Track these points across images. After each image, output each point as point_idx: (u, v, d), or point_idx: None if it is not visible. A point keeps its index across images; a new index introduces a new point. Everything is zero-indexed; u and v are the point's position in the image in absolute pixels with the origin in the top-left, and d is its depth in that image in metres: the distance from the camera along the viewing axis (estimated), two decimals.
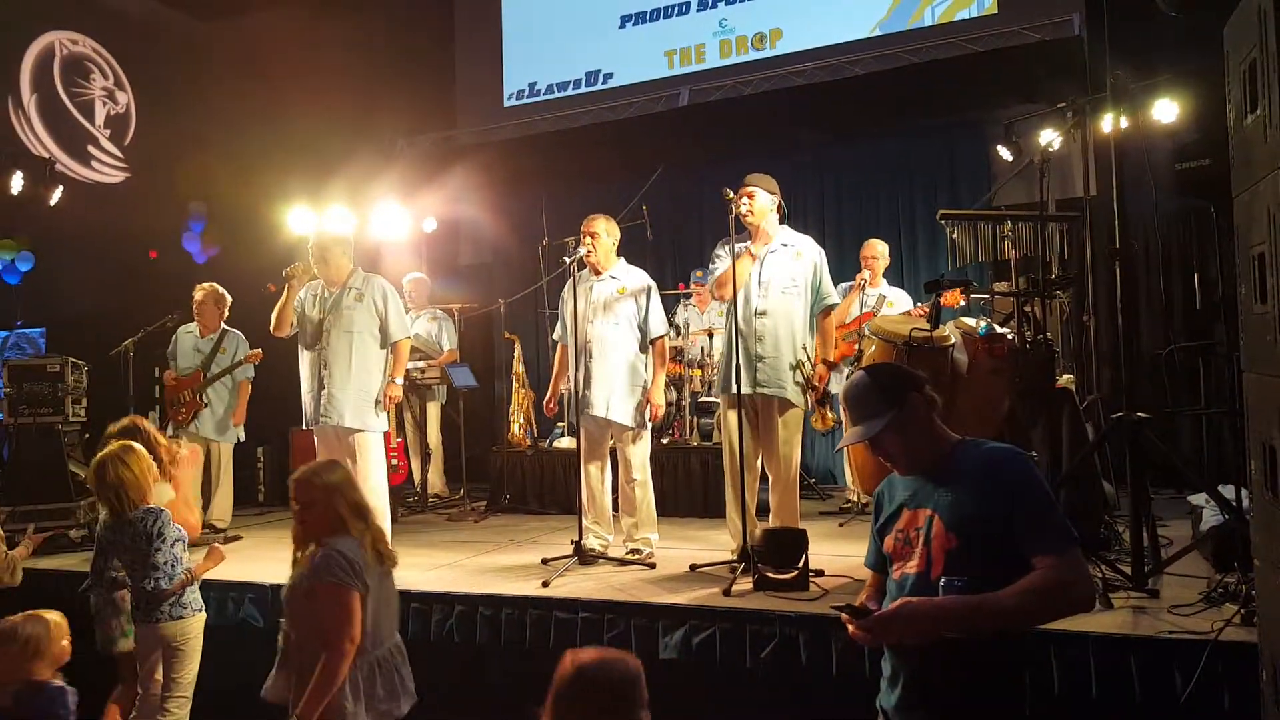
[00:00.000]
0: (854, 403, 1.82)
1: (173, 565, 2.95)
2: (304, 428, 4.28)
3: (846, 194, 6.87)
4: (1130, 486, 2.90)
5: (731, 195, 3.63)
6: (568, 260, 3.92)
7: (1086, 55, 5.65)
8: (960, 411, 3.14)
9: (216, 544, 3.13)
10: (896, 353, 3.09)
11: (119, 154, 7.49)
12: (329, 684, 2.20)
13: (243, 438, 5.37)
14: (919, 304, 4.64)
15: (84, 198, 6.98)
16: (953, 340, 3.17)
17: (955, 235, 3.42)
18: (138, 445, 3.07)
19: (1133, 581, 2.81)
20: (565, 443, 5.82)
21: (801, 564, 3.18)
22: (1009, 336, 3.16)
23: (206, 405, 5.14)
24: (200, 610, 3.06)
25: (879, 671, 1.81)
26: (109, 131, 7.44)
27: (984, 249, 3.35)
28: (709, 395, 5.72)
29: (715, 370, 5.80)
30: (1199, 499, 3.41)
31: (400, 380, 4.24)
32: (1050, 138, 5.42)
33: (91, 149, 7.35)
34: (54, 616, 2.55)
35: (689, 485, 5.39)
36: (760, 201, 3.75)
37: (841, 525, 4.65)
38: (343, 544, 2.32)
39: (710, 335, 5.84)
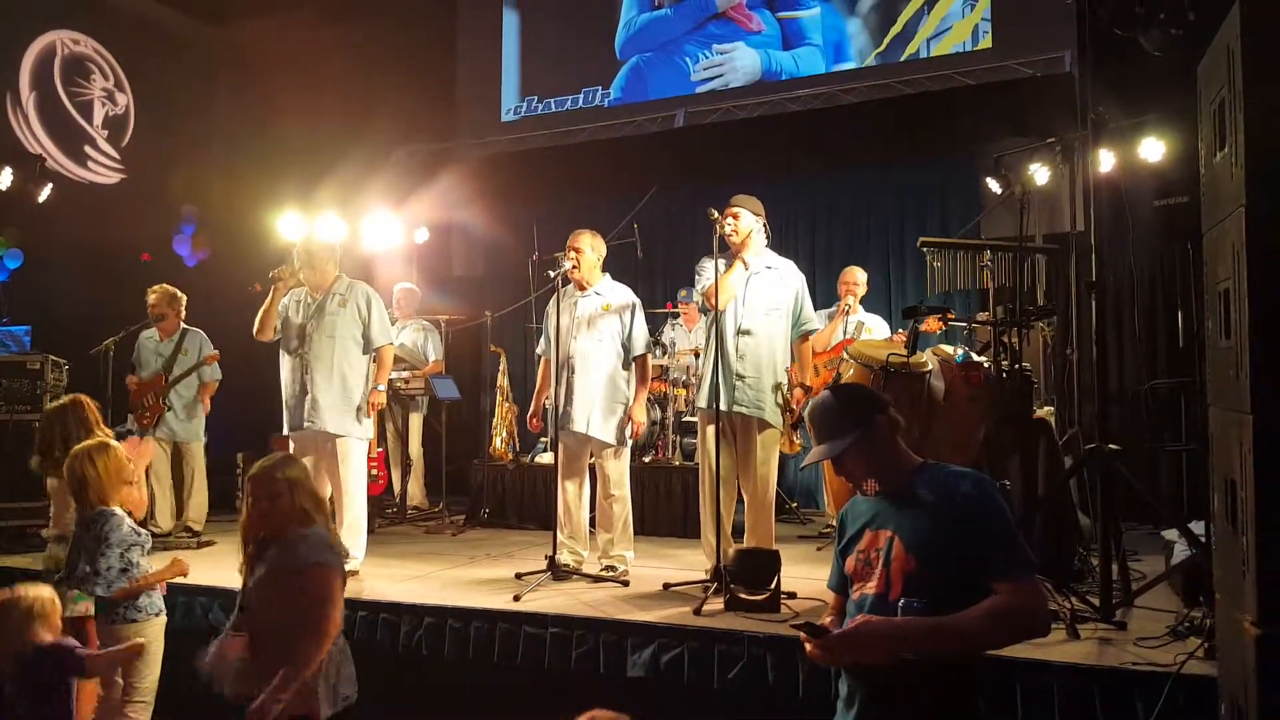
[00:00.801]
0: (819, 422, 1.83)
1: (114, 571, 2.86)
2: (284, 434, 4.26)
3: (836, 220, 6.92)
4: (1100, 517, 2.90)
5: (716, 215, 3.66)
6: (552, 275, 3.93)
7: (1077, 92, 5.74)
8: (936, 438, 3.16)
9: (179, 557, 3.08)
10: (874, 377, 3.11)
11: (116, 155, 7.48)
12: (308, 664, 2.21)
13: (203, 438, 5.28)
14: (899, 330, 4.68)
15: (78, 198, 6.96)
16: (930, 367, 3.20)
17: (936, 263, 3.45)
18: (114, 445, 3.05)
19: (1100, 613, 2.80)
20: (547, 458, 5.79)
21: (774, 585, 3.17)
22: (986, 365, 3.18)
23: (169, 409, 5.08)
24: (158, 614, 3.00)
25: (834, 697, 1.80)
26: (107, 132, 7.43)
27: (964, 278, 3.39)
28: (693, 415, 5.72)
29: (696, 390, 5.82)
30: (1171, 534, 3.42)
31: (384, 387, 4.24)
32: (1037, 171, 5.52)
33: (88, 149, 7.34)
34: (47, 589, 2.53)
35: (669, 504, 5.38)
36: (744, 222, 3.79)
37: (819, 550, 4.63)
38: (318, 531, 2.35)
39: (696, 355, 5.85)
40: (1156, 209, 3.89)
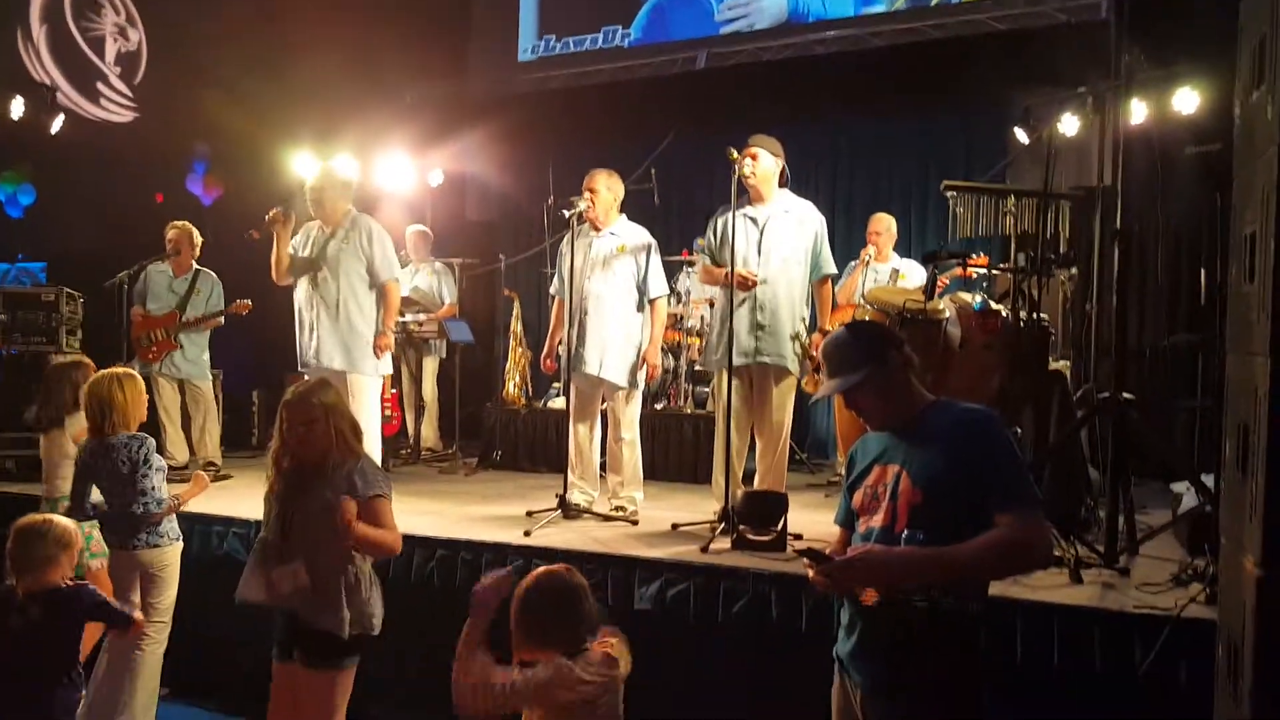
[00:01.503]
0: (832, 357, 1.83)
1: (161, 491, 2.98)
2: (298, 370, 4.30)
3: (860, 167, 6.79)
4: (1110, 466, 2.90)
5: (736, 155, 3.60)
6: (566, 214, 3.90)
7: (1112, 39, 5.56)
8: (950, 385, 3.14)
9: (199, 471, 3.17)
10: (890, 323, 3.09)
11: (129, 93, 7.40)
12: (390, 544, 2.38)
13: (210, 375, 5.27)
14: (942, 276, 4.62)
15: (92, 135, 6.89)
16: (947, 314, 3.17)
17: (959, 208, 3.39)
18: (139, 377, 3.10)
19: (1104, 559, 2.82)
20: (560, 402, 5.82)
21: (780, 526, 3.21)
22: (1003, 314, 3.15)
23: (180, 348, 5.08)
24: (178, 539, 3.11)
25: (834, 634, 1.83)
26: (119, 69, 7.33)
27: (986, 224, 3.33)
28: (704, 365, 5.72)
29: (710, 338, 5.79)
30: (1180, 487, 3.41)
31: (391, 327, 4.22)
32: (1067, 121, 5.37)
33: (101, 86, 7.26)
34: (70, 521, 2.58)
35: (680, 451, 5.42)
36: (764, 164, 3.73)
37: (827, 496, 4.66)
38: (368, 460, 2.44)
39: (711, 304, 5.82)
40: (1189, 157, 3.78)
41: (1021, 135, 5.62)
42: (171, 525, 3.10)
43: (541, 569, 1.95)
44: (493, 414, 5.88)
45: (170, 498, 3.02)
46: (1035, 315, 3.21)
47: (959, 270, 4.23)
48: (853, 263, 5.20)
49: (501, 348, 6.59)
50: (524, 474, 5.53)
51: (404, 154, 6.80)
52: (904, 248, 6.16)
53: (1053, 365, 3.74)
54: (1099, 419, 3.18)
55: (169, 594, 3.11)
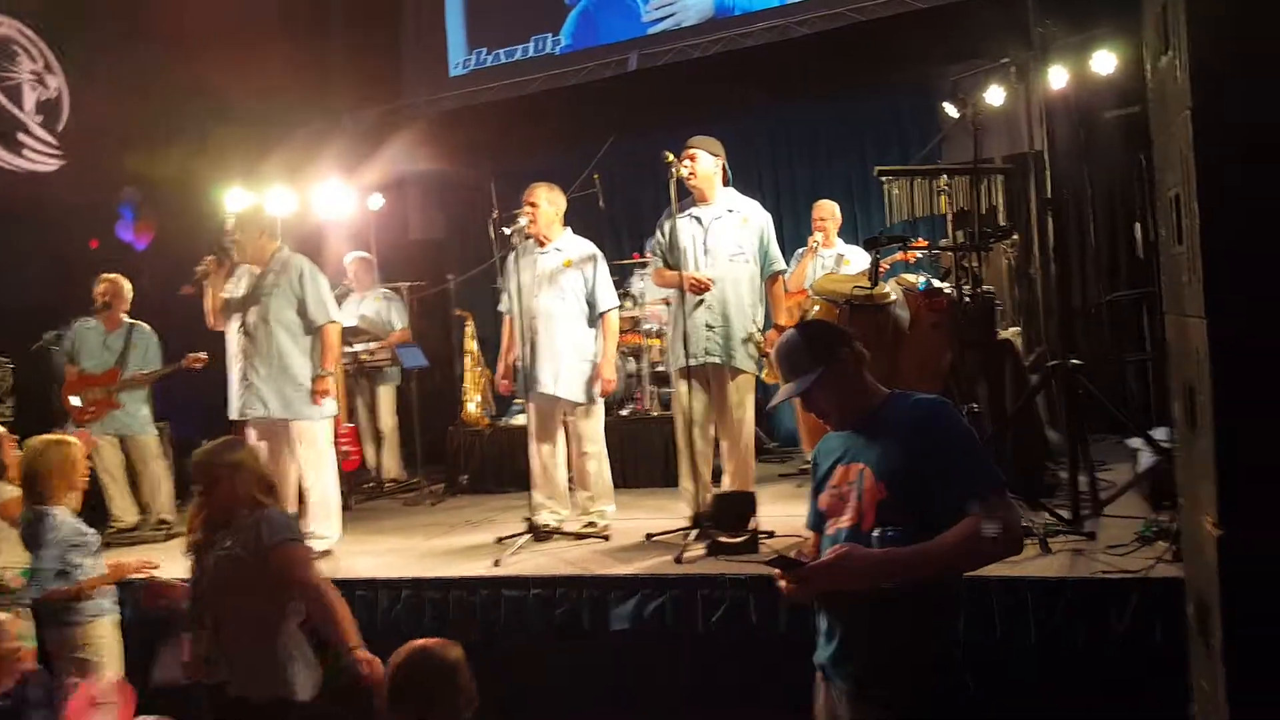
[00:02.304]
0: (784, 360, 1.82)
1: (47, 574, 2.80)
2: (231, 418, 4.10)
3: (798, 156, 6.84)
4: (1067, 432, 2.94)
5: (673, 158, 3.58)
6: (508, 232, 3.85)
7: (1030, 8, 5.66)
8: (904, 367, 3.17)
9: (120, 561, 3.00)
10: (839, 312, 3.10)
11: (52, 140, 7.16)
12: (339, 608, 2.23)
13: (154, 429, 5.05)
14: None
15: (15, 188, 6.66)
16: (893, 297, 3.18)
17: (894, 191, 3.41)
18: (74, 443, 2.95)
19: (1070, 525, 2.86)
20: (523, 419, 5.75)
21: (752, 526, 3.20)
22: (948, 291, 3.18)
23: (122, 405, 4.87)
24: (100, 616, 2.91)
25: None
26: (40, 117, 7.08)
27: (922, 204, 3.36)
28: (665, 365, 5.70)
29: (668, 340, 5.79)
30: (1136, 442, 3.48)
31: (331, 370, 4.03)
32: (993, 93, 5.46)
33: (22, 136, 7.00)
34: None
35: (650, 456, 5.39)
36: (703, 164, 3.71)
37: (799, 486, 4.67)
38: (272, 511, 2.33)
39: (668, 304, 5.80)
40: (1111, 120, 3.85)
41: (951, 110, 5.69)
42: (95, 602, 2.88)
43: (413, 645, 1.82)
44: (455, 437, 5.79)
45: (73, 581, 2.83)
46: (978, 289, 3.24)
47: (901, 254, 4.28)
48: (800, 250, 5.22)
49: (458, 368, 6.50)
50: (492, 495, 5.44)
51: (341, 180, 6.66)
52: (848, 232, 6.19)
53: (1002, 334, 3.78)
54: (1052, 385, 3.23)
55: (104, 675, 2.86)
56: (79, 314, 5.04)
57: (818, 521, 1.87)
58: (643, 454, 5.48)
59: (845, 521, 1.72)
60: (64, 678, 2.86)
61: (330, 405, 4.04)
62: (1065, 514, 2.91)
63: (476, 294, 6.84)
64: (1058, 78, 5.18)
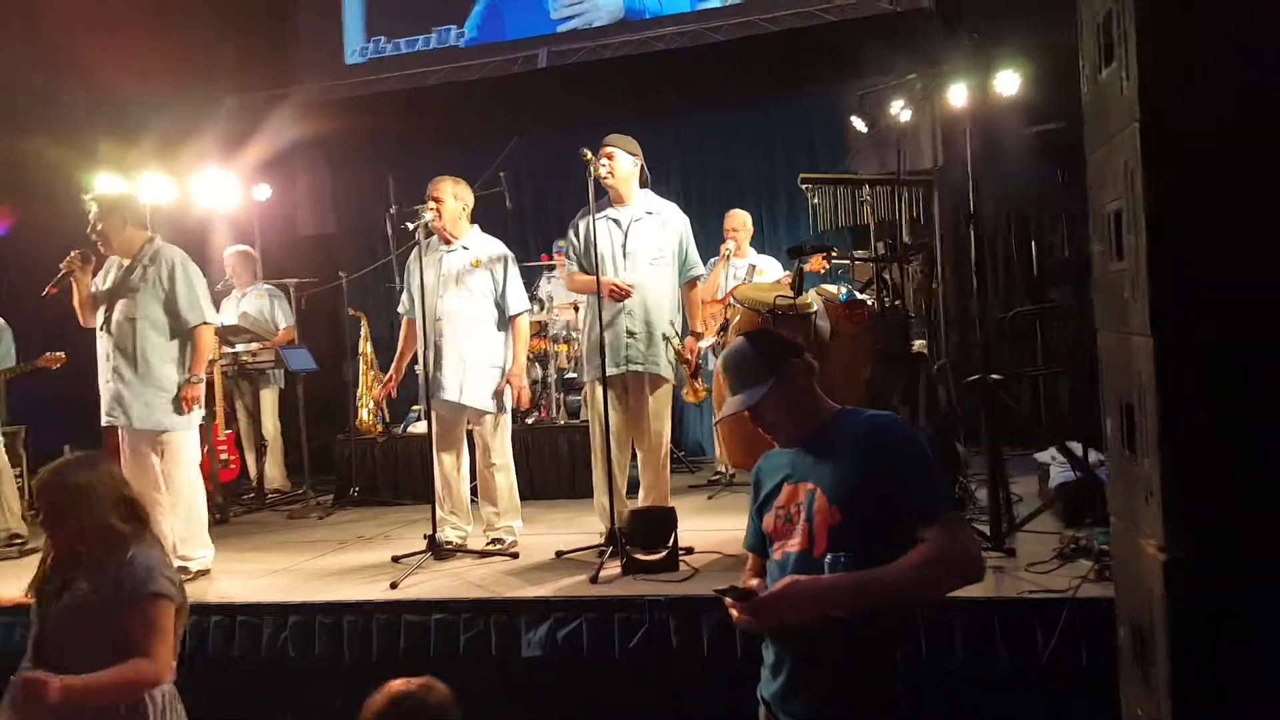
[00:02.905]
0: (733, 371, 1.68)
1: None
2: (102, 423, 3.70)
3: (708, 161, 6.79)
4: (986, 447, 2.93)
5: (590, 156, 3.41)
6: (411, 227, 3.57)
7: (939, 29, 5.82)
8: (826, 378, 3.06)
9: None
10: (761, 320, 3.00)
11: None
12: (121, 690, 1.85)
13: None
14: (788, 272, 4.62)
15: None
16: (815, 307, 3.11)
17: (815, 201, 3.37)
18: None
19: (991, 542, 2.85)
20: (420, 427, 5.43)
21: (671, 543, 3.05)
22: (869, 302, 3.13)
23: None
24: None
25: (751, 652, 1.68)
26: None
27: (844, 214, 3.32)
28: (575, 372, 5.51)
29: (580, 347, 5.61)
30: (1045, 456, 3.54)
31: (201, 376, 3.64)
32: (900, 108, 5.57)
33: None
34: None
35: (556, 466, 5.18)
36: (621, 164, 3.55)
37: (710, 498, 4.57)
38: (142, 552, 1.95)
39: (576, 309, 5.61)
40: (1027, 136, 3.96)
41: (859, 123, 5.77)
42: None
43: (395, 689, 1.53)
44: (346, 446, 5.40)
45: None
46: (896, 301, 3.22)
47: (814, 263, 4.26)
48: (713, 259, 5.15)
49: (350, 372, 6.10)
50: (386, 508, 5.11)
51: (223, 169, 6.14)
52: (757, 242, 6.20)
53: (914, 347, 3.79)
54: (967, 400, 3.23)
55: None
56: None
57: (758, 542, 1.73)
58: (548, 464, 5.27)
59: (794, 545, 1.59)
60: None
61: (198, 415, 3.64)
62: (985, 530, 2.90)
63: (369, 294, 6.47)
64: (961, 96, 5.33)
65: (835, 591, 1.48)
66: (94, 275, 3.63)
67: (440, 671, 2.83)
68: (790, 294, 2.96)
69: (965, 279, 2.98)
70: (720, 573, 2.99)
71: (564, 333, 5.55)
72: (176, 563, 2.87)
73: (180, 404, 3.52)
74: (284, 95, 6.94)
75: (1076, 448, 3.12)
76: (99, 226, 3.52)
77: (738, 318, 3.12)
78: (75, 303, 3.62)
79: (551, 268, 6.21)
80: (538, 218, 6.98)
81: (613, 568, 3.10)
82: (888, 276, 3.09)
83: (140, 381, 3.47)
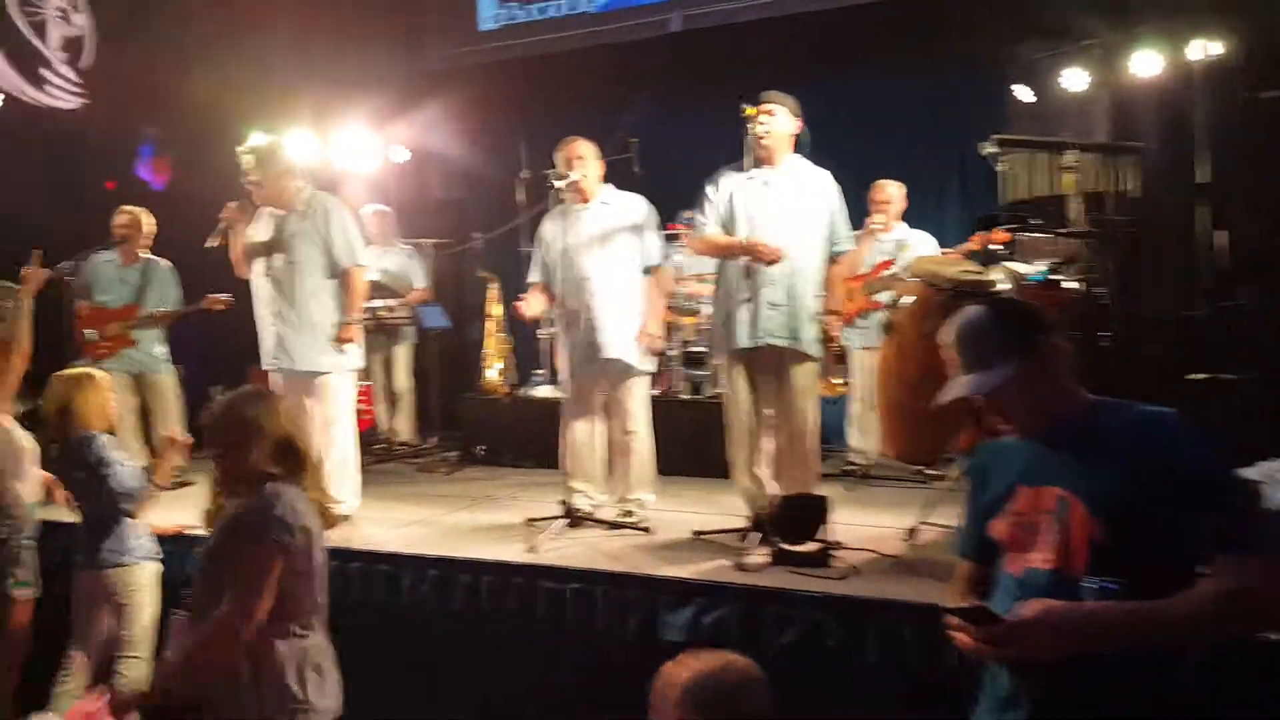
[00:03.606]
0: (969, 344, 1.44)
1: (136, 479, 2.69)
2: (263, 367, 3.81)
3: (848, 132, 6.32)
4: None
5: (752, 110, 3.16)
6: (558, 186, 3.44)
7: None
8: None
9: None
10: (941, 298, 2.71)
11: (75, 78, 6.83)
12: (207, 650, 1.79)
13: (170, 368, 4.80)
14: (948, 249, 4.25)
15: (37, 122, 6.33)
16: (1002, 287, 2.79)
17: (1005, 168, 3.01)
18: (101, 376, 2.81)
19: None
20: (544, 391, 5.41)
21: (823, 536, 2.83)
22: (1073, 285, 2.78)
23: (137, 343, 4.61)
24: (145, 559, 2.76)
25: (914, 663, 1.46)
26: (65, 55, 6.76)
27: (1041, 183, 2.96)
28: (701, 345, 5.31)
29: (712, 319, 5.40)
30: (1254, 473, 3.10)
31: (357, 317, 3.71)
32: (1076, 77, 5.07)
33: (45, 72, 6.69)
34: None
35: (678, 441, 4.98)
36: (779, 123, 3.32)
37: (848, 490, 4.30)
38: (283, 497, 1.87)
39: (700, 279, 5.41)
40: (1258, 103, 3.45)
41: (1024, 92, 5.30)
42: (139, 542, 2.75)
43: (703, 662, 1.40)
44: (473, 405, 5.42)
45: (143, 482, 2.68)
46: (1093, 287, 2.86)
47: (995, 236, 3.87)
48: (857, 232, 4.82)
49: (476, 332, 6.13)
50: (511, 469, 5.11)
51: (364, 130, 6.29)
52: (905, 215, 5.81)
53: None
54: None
55: (138, 622, 2.73)
56: (95, 246, 4.73)
57: (978, 548, 1.50)
58: (670, 439, 5.08)
59: (1041, 560, 1.35)
60: (93, 625, 2.69)
61: (355, 356, 3.69)
62: None
63: (497, 256, 6.46)
64: (1149, 63, 4.80)
65: (1102, 624, 1.24)
66: (248, 226, 3.70)
67: (575, 644, 2.77)
68: (976, 270, 2.65)
69: (1154, 265, 2.60)
70: (879, 574, 2.76)
71: (690, 304, 5.36)
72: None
73: (337, 345, 3.59)
74: (420, 62, 7.03)
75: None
76: (254, 177, 3.58)
77: (910, 294, 2.84)
78: (232, 254, 3.71)
79: (676, 237, 6.02)
80: (665, 185, 6.76)
81: (758, 556, 2.91)
82: (1098, 257, 2.72)
83: (302, 324, 3.55)
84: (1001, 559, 1.43)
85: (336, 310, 3.63)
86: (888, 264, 4.66)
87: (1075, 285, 2.78)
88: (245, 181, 3.63)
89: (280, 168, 3.61)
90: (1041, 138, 3.41)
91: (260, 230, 3.70)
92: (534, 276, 3.78)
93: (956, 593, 1.51)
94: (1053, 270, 2.87)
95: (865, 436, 4.71)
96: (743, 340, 3.25)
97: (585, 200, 3.60)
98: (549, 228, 3.65)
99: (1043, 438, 1.42)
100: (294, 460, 1.95)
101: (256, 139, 3.73)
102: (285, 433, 1.95)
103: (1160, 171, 3.59)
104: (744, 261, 3.25)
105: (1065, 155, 2.92)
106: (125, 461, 2.72)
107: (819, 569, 2.75)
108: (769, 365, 3.32)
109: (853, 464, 4.77)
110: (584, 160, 3.55)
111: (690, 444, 5.01)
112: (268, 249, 3.62)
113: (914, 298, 2.82)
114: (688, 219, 5.88)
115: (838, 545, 2.89)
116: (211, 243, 3.69)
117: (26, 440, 2.89)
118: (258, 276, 3.69)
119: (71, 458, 2.72)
